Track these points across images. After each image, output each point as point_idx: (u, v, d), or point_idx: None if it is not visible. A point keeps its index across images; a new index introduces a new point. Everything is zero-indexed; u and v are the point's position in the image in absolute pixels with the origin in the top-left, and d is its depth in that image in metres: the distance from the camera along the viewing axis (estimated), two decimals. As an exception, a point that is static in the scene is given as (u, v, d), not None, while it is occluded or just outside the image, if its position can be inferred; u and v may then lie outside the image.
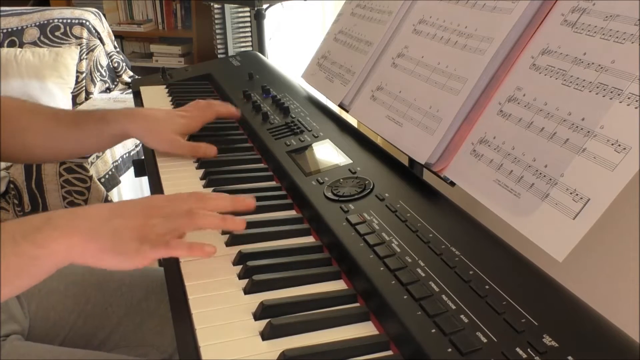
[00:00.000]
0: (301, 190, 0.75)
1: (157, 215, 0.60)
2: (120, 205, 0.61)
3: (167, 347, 0.89)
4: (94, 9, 2.52)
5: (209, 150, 0.90)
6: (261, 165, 0.89)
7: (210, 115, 0.97)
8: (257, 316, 0.54)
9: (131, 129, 0.89)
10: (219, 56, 2.88)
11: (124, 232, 0.57)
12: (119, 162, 2.01)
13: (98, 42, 2.44)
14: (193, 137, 0.98)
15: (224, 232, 0.69)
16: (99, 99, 2.38)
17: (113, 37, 2.57)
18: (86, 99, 2.38)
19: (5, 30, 2.35)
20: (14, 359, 0.74)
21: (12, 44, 2.34)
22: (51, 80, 2.25)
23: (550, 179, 0.57)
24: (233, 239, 0.67)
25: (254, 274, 0.59)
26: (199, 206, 0.62)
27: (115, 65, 2.53)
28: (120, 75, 2.55)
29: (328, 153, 0.84)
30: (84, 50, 2.39)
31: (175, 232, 0.60)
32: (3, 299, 0.54)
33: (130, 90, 2.28)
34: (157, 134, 0.90)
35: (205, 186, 0.83)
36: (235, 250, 0.65)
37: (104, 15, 2.59)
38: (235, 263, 0.63)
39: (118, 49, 2.57)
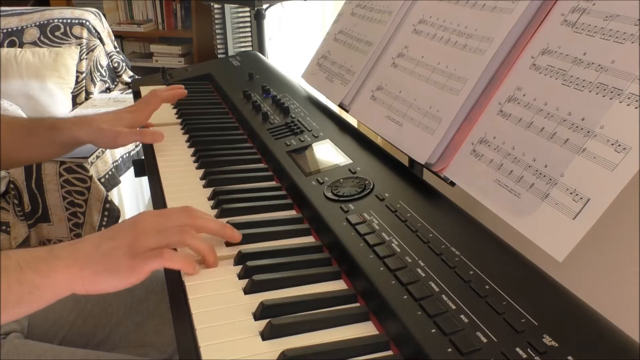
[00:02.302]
0: (301, 190, 0.75)
1: (148, 231, 0.60)
2: (112, 229, 0.62)
3: (167, 347, 0.89)
4: (94, 9, 2.52)
5: (156, 135, 0.93)
6: (261, 165, 0.89)
7: (155, 103, 1.00)
8: (257, 316, 0.54)
9: (80, 135, 0.91)
10: (219, 56, 2.88)
11: (113, 252, 0.58)
12: (119, 162, 2.01)
13: (98, 42, 2.44)
14: (193, 137, 0.98)
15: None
16: (98, 99, 2.38)
17: (113, 37, 2.57)
18: (86, 99, 2.38)
19: (5, 30, 2.35)
20: (15, 358, 0.75)
21: (12, 44, 2.33)
22: (51, 80, 2.25)
23: (550, 179, 0.57)
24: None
25: (254, 274, 0.59)
26: (190, 223, 0.63)
27: (115, 65, 2.53)
28: (120, 75, 2.55)
29: (328, 153, 0.84)
30: (84, 50, 2.39)
31: (166, 247, 0.61)
32: (2, 323, 0.54)
33: (130, 90, 2.28)
34: (103, 133, 0.91)
35: (205, 186, 0.83)
36: (235, 250, 0.65)
37: (104, 15, 2.59)
38: (235, 263, 0.63)
39: (118, 49, 2.57)
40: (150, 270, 0.59)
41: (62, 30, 2.38)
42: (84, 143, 0.93)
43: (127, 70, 2.59)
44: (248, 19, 2.89)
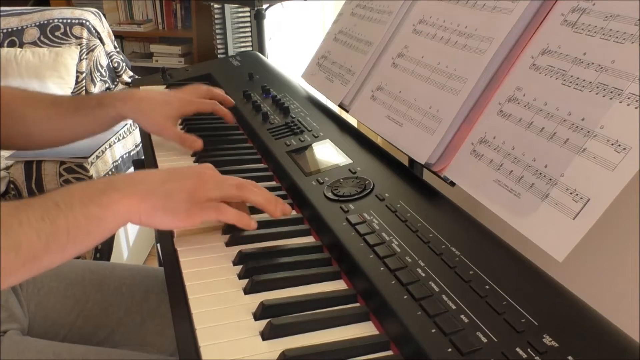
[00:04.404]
0: (301, 190, 0.75)
1: (209, 181, 0.64)
2: (177, 171, 0.66)
3: (167, 347, 0.89)
4: (94, 9, 2.52)
5: (195, 143, 0.92)
6: (261, 165, 0.89)
7: (207, 106, 0.98)
8: (257, 316, 0.54)
9: (125, 112, 0.92)
10: (219, 56, 2.88)
11: (176, 194, 0.62)
12: (119, 162, 2.01)
13: (98, 42, 2.44)
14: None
15: (224, 232, 0.69)
16: (99, 99, 2.37)
17: (113, 37, 2.57)
18: (86, 99, 2.38)
19: (5, 30, 2.34)
20: (14, 354, 0.74)
21: (12, 44, 2.33)
22: (51, 80, 2.24)
23: (550, 179, 0.57)
24: (233, 239, 0.67)
25: (254, 274, 0.59)
26: (245, 183, 0.67)
27: (115, 65, 2.53)
28: (120, 75, 2.55)
29: (328, 153, 0.84)
30: (84, 50, 2.39)
31: (224, 199, 0.65)
32: (71, 257, 0.57)
33: (130, 90, 2.28)
34: (148, 117, 0.92)
35: (205, 186, 0.83)
36: (235, 250, 0.65)
37: (104, 15, 2.59)
38: (235, 263, 0.63)
39: (118, 49, 2.57)
40: (205, 219, 0.64)
41: (62, 30, 2.38)
42: (129, 119, 0.94)
43: (127, 70, 2.59)
44: (248, 19, 2.89)
